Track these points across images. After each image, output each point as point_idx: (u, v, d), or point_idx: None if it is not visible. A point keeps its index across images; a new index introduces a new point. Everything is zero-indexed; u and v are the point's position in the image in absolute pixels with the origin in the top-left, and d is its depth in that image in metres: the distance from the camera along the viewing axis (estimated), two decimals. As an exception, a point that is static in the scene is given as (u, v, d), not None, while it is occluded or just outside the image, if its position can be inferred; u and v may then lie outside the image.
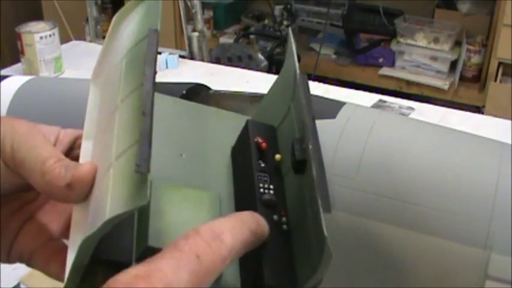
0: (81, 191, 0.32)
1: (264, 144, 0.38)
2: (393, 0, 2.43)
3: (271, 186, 0.36)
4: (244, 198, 0.37)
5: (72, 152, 0.37)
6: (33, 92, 0.71)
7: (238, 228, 0.31)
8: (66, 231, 0.36)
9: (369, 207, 0.46)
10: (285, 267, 0.33)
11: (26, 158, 0.33)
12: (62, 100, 0.67)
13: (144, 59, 0.33)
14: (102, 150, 0.33)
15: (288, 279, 0.33)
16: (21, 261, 0.37)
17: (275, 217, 0.35)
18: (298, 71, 0.38)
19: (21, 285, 0.68)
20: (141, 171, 0.28)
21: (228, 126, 0.42)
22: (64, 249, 0.35)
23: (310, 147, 0.34)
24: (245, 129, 0.39)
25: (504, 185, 0.45)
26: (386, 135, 0.49)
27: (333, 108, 0.52)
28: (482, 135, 0.52)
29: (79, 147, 0.36)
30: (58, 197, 0.33)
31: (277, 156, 0.38)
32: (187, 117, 0.42)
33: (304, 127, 0.35)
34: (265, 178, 0.36)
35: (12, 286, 0.68)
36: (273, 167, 0.37)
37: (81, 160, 0.35)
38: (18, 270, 0.69)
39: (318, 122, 0.51)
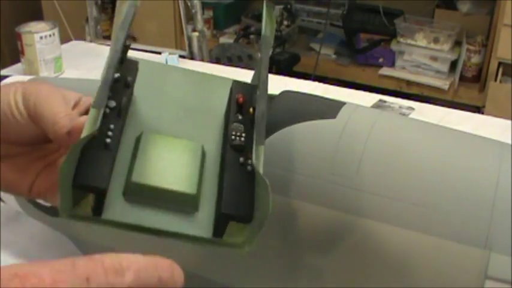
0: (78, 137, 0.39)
1: (241, 99, 0.43)
2: (393, 0, 2.43)
3: (243, 135, 0.41)
4: (222, 145, 0.42)
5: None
6: (33, 92, 0.71)
7: (149, 272, 0.30)
8: None
9: (369, 207, 0.46)
10: (242, 200, 0.38)
11: (44, 112, 0.42)
12: (62, 100, 0.67)
13: (120, 25, 0.40)
14: None
15: (243, 210, 0.37)
16: (39, 197, 0.46)
17: (241, 159, 0.40)
18: (262, 33, 0.44)
19: (21, 285, 0.68)
20: (95, 107, 0.36)
21: (224, 89, 0.46)
22: None
23: (258, 93, 0.40)
24: (230, 89, 0.45)
25: (504, 185, 0.45)
26: (387, 135, 0.49)
27: (333, 108, 0.52)
28: (482, 135, 0.52)
29: None
30: (63, 143, 0.42)
31: (251, 110, 0.43)
32: (189, 81, 0.47)
33: (258, 78, 0.41)
34: (240, 128, 0.42)
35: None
36: (250, 119, 0.42)
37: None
38: (18, 270, 0.69)
39: (318, 122, 0.51)
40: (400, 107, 1.09)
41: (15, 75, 0.80)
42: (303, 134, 0.50)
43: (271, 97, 0.55)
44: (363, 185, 0.46)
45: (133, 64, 0.44)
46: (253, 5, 2.84)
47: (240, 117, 0.42)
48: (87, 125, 0.36)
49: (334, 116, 0.51)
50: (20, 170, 0.45)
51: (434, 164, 0.47)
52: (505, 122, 1.01)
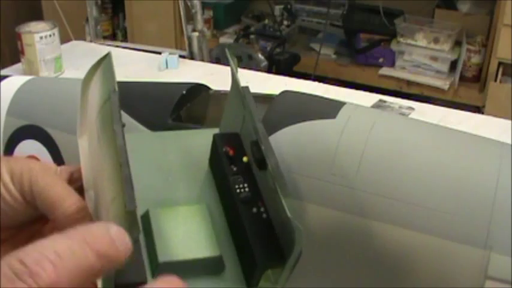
0: None
1: (231, 152, 0.44)
2: (393, 0, 2.43)
3: (246, 185, 0.42)
4: (227, 201, 0.43)
5: (70, 185, 0.41)
6: (33, 92, 0.71)
7: (77, 251, 0.26)
8: None
9: (369, 207, 0.46)
10: (271, 248, 0.39)
11: (43, 192, 0.38)
12: (62, 100, 0.67)
13: (112, 117, 0.39)
14: (101, 199, 0.40)
15: (277, 258, 0.38)
16: None
17: (254, 210, 0.41)
18: (240, 85, 0.45)
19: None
20: (130, 209, 0.34)
21: (201, 143, 0.48)
22: None
23: (263, 147, 0.41)
24: (214, 142, 0.45)
25: (504, 185, 0.45)
26: (387, 135, 0.49)
27: (333, 108, 0.52)
28: (482, 135, 0.52)
29: (75, 181, 0.42)
30: (68, 225, 0.36)
31: (245, 158, 0.43)
32: (166, 145, 0.48)
33: (256, 132, 0.42)
34: (240, 179, 0.42)
35: (12, 286, 0.67)
36: (244, 168, 0.43)
37: (89, 208, 0.40)
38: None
39: (318, 122, 0.51)
40: (400, 107, 1.09)
41: (15, 75, 0.80)
42: (303, 134, 0.50)
43: (271, 97, 0.55)
44: (363, 185, 0.46)
45: None
46: (253, 5, 2.84)
47: (234, 168, 0.43)
48: (127, 229, 0.34)
49: (334, 116, 0.51)
50: None
51: (434, 164, 0.47)
52: (505, 122, 1.01)
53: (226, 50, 0.49)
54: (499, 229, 0.43)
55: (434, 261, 0.44)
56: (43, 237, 0.39)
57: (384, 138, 0.49)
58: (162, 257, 0.38)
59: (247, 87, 0.44)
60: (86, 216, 0.38)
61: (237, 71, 0.46)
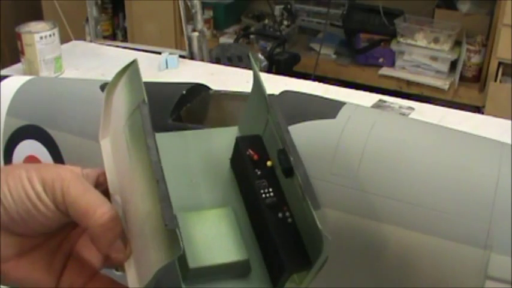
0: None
1: (255, 156, 0.44)
2: (393, 0, 2.43)
3: (271, 189, 0.42)
4: (252, 205, 0.43)
5: (97, 188, 0.41)
6: (33, 92, 0.71)
7: None
8: (105, 261, 0.42)
9: (368, 207, 0.46)
10: (298, 252, 0.39)
11: (75, 201, 0.39)
12: (62, 100, 0.67)
13: (144, 130, 0.40)
14: (132, 207, 0.40)
15: (303, 262, 0.39)
16: None
17: (280, 215, 0.41)
18: (265, 92, 0.45)
19: (21, 285, 0.68)
20: (171, 228, 0.35)
21: (223, 142, 0.47)
22: (115, 282, 0.41)
23: (292, 158, 0.41)
24: (236, 145, 0.45)
25: (504, 185, 0.45)
26: (387, 135, 0.49)
27: (333, 108, 0.52)
28: (482, 135, 0.52)
29: (101, 184, 0.42)
30: (100, 233, 0.39)
31: (269, 163, 0.44)
32: (186, 145, 0.48)
33: (284, 142, 0.42)
34: (264, 183, 0.42)
35: (12, 286, 0.68)
36: (268, 171, 0.43)
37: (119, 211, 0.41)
38: (18, 270, 0.68)
39: (318, 122, 0.51)
40: (400, 107, 1.09)
41: (15, 75, 0.80)
42: (303, 134, 0.50)
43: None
44: (362, 185, 0.46)
45: None
46: (253, 5, 2.84)
47: (258, 172, 0.43)
48: (168, 246, 0.36)
49: (334, 116, 0.51)
50: (42, 266, 0.41)
51: (434, 164, 0.47)
52: (505, 122, 1.01)
53: (250, 55, 0.50)
54: (499, 229, 0.43)
55: (435, 261, 0.44)
56: (72, 242, 0.43)
57: (384, 138, 0.49)
58: (192, 263, 0.39)
59: (273, 96, 0.44)
60: (117, 224, 0.39)
61: (259, 74, 0.46)
